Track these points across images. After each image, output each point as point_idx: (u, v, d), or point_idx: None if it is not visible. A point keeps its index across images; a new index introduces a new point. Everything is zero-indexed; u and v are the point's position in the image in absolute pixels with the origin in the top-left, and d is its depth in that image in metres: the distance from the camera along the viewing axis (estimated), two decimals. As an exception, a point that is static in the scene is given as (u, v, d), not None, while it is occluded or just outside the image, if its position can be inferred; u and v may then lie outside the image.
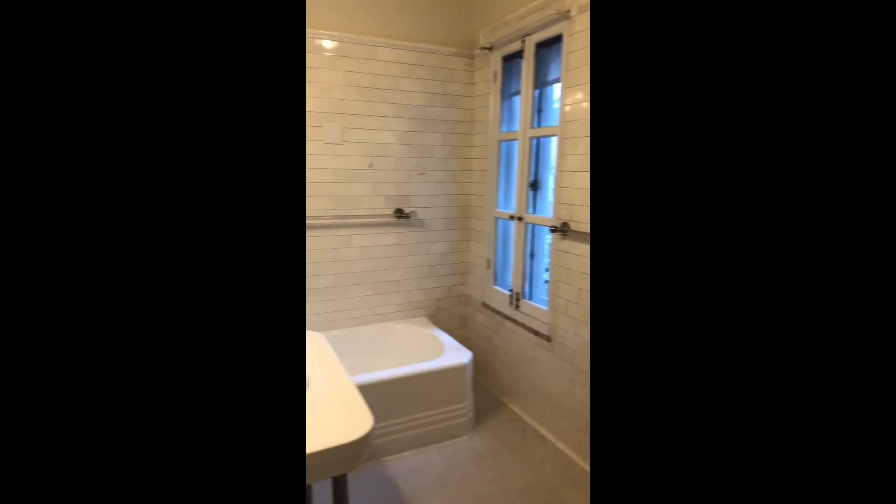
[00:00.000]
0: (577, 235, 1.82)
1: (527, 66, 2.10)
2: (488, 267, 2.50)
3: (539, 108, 2.13)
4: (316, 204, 2.25)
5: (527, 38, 2.07)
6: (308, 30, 2.11)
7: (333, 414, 1.02)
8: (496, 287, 2.47)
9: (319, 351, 1.39)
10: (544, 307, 2.08)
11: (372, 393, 1.76)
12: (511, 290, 2.30)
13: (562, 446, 2.01)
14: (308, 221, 2.24)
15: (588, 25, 1.73)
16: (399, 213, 2.44)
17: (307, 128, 2.17)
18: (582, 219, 1.81)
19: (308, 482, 0.92)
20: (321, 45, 2.15)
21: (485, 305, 2.53)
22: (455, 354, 2.14)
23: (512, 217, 2.28)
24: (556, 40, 1.93)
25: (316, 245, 2.29)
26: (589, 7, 1.73)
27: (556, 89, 1.99)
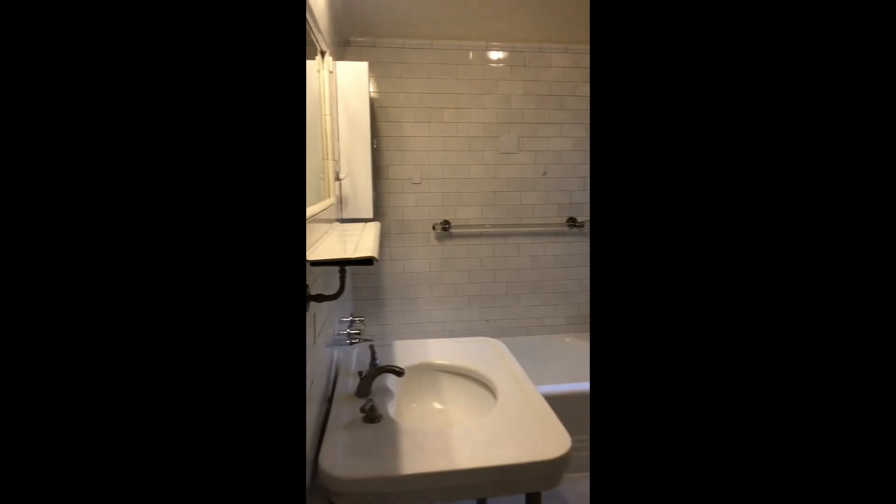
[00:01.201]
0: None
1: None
2: (671, 282, 2.26)
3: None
4: (489, 213, 2.29)
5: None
6: (482, 42, 2.17)
7: (529, 428, 1.00)
8: (681, 305, 2.22)
9: (503, 360, 1.39)
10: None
11: (546, 407, 1.71)
12: (701, 310, 2.04)
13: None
14: (480, 230, 2.30)
15: None
16: (571, 222, 2.35)
17: (483, 139, 2.23)
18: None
19: (500, 494, 0.91)
20: (498, 56, 2.19)
21: (666, 324, 2.29)
22: (634, 376, 1.97)
23: (705, 227, 2.03)
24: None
25: (487, 253, 2.33)
26: None
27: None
